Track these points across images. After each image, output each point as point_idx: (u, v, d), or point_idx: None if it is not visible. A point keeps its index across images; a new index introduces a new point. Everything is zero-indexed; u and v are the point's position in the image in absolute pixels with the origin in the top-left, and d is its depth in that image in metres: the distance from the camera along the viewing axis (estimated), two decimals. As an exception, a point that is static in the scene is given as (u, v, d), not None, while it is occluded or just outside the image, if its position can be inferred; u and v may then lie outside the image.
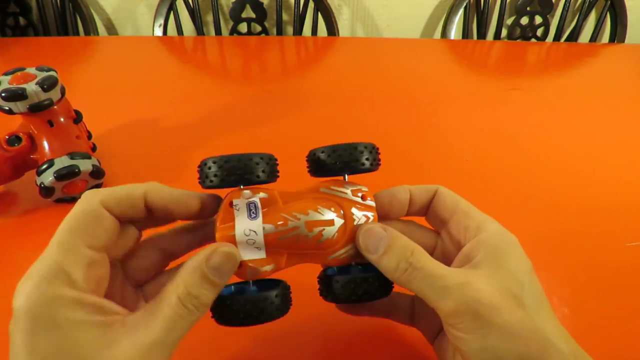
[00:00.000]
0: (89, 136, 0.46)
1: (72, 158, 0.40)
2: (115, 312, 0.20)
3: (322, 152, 0.24)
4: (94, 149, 0.46)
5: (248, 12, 1.17)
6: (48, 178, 0.39)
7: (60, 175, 0.39)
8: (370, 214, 0.25)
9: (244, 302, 0.22)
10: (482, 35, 1.17)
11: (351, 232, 0.24)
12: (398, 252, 0.23)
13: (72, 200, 0.42)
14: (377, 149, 0.25)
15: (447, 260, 0.25)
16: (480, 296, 0.21)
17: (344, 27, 1.25)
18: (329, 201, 0.24)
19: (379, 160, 0.25)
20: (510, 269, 0.22)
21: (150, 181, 0.23)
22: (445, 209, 0.26)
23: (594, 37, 1.15)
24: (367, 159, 0.24)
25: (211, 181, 0.23)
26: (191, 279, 0.20)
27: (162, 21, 1.06)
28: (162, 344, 0.19)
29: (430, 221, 0.27)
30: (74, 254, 0.20)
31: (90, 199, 0.21)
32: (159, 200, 0.23)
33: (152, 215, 0.23)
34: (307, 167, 0.26)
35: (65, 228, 0.20)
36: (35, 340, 0.18)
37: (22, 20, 1.18)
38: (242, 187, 0.24)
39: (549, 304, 0.22)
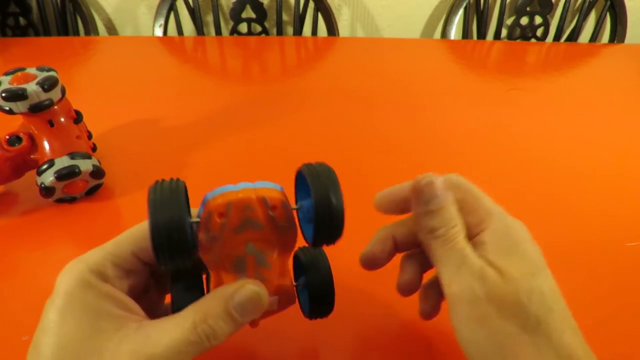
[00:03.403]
0: (89, 136, 0.47)
1: (72, 158, 0.40)
2: (137, 313, 0.21)
3: None
4: (94, 149, 0.46)
5: (248, 12, 1.17)
6: (48, 178, 0.39)
7: (61, 175, 0.39)
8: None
9: None
10: (482, 35, 1.17)
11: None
12: (443, 218, 0.22)
13: (72, 200, 0.42)
14: None
15: None
16: (488, 290, 0.21)
17: (344, 27, 1.25)
18: None
19: None
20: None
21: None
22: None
23: (594, 37, 1.15)
24: None
25: None
26: (213, 308, 0.20)
27: (162, 21, 1.06)
28: None
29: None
30: (120, 257, 0.22)
31: None
32: None
33: None
34: None
35: (128, 235, 0.23)
36: (66, 319, 0.20)
37: (22, 21, 1.18)
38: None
39: (566, 307, 0.23)
